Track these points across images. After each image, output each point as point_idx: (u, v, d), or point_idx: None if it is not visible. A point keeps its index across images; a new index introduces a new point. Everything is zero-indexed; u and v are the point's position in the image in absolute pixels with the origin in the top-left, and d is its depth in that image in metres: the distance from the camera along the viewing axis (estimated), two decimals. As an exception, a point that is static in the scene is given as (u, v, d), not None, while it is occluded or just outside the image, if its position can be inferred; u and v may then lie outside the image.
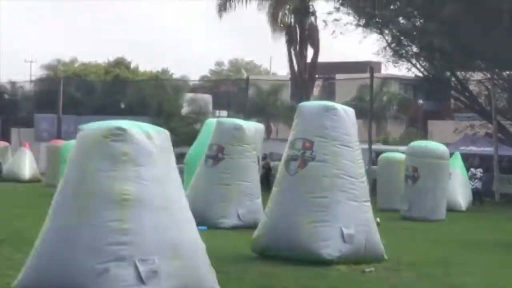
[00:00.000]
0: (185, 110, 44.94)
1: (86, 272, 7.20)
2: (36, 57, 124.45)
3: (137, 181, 7.44)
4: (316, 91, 44.46)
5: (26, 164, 34.63)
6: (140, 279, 7.13)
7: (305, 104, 12.89)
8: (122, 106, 47.14)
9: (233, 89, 50.98)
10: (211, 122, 19.59)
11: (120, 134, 7.53)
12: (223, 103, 49.03)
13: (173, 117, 42.26)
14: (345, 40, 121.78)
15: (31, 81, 62.77)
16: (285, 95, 44.99)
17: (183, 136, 34.16)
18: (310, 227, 11.21)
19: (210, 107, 48.00)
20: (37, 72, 68.53)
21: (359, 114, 14.23)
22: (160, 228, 7.39)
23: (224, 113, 45.43)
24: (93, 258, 7.21)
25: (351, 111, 12.13)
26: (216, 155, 16.86)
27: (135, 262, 7.18)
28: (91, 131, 7.70)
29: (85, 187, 7.46)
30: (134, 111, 46.37)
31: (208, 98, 48.93)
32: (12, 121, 50.33)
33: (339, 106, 12.16)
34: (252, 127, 17.75)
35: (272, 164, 29.93)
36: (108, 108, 47.83)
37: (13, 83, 59.66)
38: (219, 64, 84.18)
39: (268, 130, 39.83)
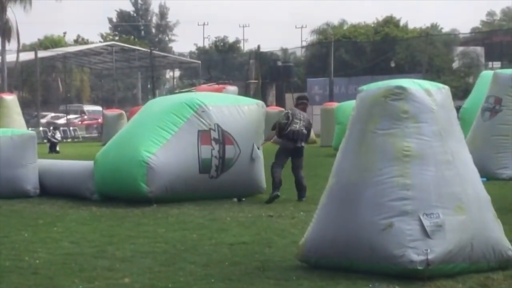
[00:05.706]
0: (456, 64, 44.02)
1: (370, 227, 7.35)
2: (306, 23, 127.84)
3: (418, 138, 7.49)
4: None
5: (302, 127, 35.62)
6: (425, 233, 7.16)
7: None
8: (392, 64, 47.10)
9: (506, 39, 48.95)
10: (487, 74, 19.65)
11: (400, 93, 7.62)
12: (496, 54, 47.34)
13: (444, 72, 41.53)
14: None
15: (302, 47, 64.61)
16: None
17: (455, 90, 33.56)
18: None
19: (483, 59, 46.67)
20: (308, 37, 70.29)
21: None
22: (443, 182, 7.40)
23: (497, 64, 43.91)
24: (377, 214, 7.35)
25: None
26: (494, 107, 16.93)
27: (420, 217, 7.22)
28: (371, 92, 7.84)
29: (366, 145, 7.61)
30: (404, 69, 46.11)
31: (480, 50, 47.52)
32: (285, 86, 52.04)
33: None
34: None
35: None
36: (377, 68, 47.98)
37: (285, 50, 61.73)
38: (490, 14, 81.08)
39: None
